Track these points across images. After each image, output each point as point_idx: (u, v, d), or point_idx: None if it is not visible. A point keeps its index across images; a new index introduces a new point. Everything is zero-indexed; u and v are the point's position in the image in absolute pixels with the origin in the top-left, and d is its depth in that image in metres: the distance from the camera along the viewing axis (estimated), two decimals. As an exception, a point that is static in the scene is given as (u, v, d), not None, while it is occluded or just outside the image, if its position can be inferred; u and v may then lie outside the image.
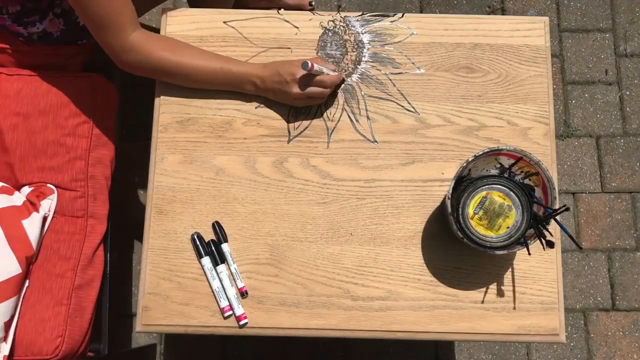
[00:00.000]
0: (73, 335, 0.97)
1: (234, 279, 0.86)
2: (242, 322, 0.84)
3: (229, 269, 0.86)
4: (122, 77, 1.18)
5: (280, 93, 0.88)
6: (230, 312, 0.84)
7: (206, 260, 0.85)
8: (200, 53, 0.90)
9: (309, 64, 0.81)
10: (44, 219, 0.98)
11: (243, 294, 0.85)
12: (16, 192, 1.00)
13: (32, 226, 0.95)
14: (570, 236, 0.78)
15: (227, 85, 0.91)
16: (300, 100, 0.88)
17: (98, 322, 1.08)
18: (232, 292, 0.84)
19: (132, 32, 0.86)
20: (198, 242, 0.86)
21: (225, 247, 0.86)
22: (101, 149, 1.06)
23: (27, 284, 0.96)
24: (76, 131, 1.02)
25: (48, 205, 0.99)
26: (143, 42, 0.86)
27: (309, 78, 0.85)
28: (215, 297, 0.85)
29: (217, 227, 0.87)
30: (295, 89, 0.86)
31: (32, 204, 0.98)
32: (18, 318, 0.94)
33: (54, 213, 1.00)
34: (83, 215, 1.02)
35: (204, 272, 0.86)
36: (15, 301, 0.93)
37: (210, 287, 0.85)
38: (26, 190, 1.01)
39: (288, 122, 0.91)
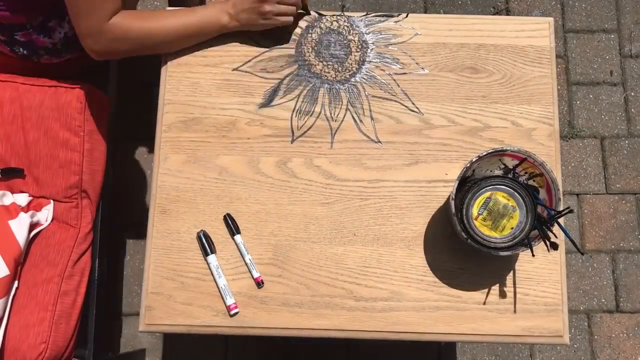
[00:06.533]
0: (57, 342, 0.95)
1: (249, 270, 0.86)
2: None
3: (244, 260, 0.86)
4: (122, 78, 1.18)
5: (250, 12, 0.89)
6: (237, 310, 0.84)
7: (212, 258, 0.85)
8: (167, 11, 0.91)
9: None
10: (36, 224, 0.98)
11: (259, 283, 0.85)
12: (7, 193, 0.99)
13: (19, 227, 0.94)
14: (572, 241, 0.77)
15: (202, 27, 0.90)
16: (268, 19, 0.89)
17: (84, 328, 1.06)
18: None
19: (112, 16, 0.86)
20: (204, 240, 0.86)
21: (238, 238, 0.86)
22: (94, 160, 1.05)
23: (16, 284, 0.94)
24: (68, 143, 1.02)
25: (45, 215, 0.99)
26: (120, 22, 0.86)
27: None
28: (222, 295, 0.85)
29: (228, 219, 0.87)
30: (268, 7, 0.88)
31: (19, 205, 0.97)
32: (7, 321, 0.92)
33: (49, 223, 1.00)
34: (75, 225, 1.02)
35: (210, 270, 0.86)
36: (4, 303, 0.91)
37: (217, 285, 0.85)
38: (24, 197, 1.00)
39: (291, 122, 0.91)
